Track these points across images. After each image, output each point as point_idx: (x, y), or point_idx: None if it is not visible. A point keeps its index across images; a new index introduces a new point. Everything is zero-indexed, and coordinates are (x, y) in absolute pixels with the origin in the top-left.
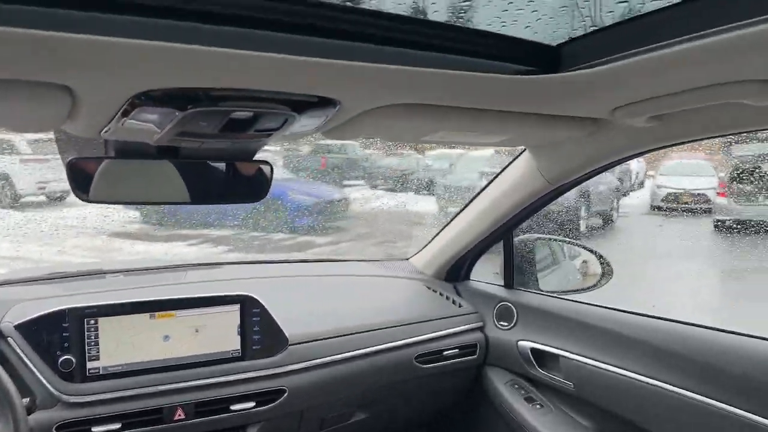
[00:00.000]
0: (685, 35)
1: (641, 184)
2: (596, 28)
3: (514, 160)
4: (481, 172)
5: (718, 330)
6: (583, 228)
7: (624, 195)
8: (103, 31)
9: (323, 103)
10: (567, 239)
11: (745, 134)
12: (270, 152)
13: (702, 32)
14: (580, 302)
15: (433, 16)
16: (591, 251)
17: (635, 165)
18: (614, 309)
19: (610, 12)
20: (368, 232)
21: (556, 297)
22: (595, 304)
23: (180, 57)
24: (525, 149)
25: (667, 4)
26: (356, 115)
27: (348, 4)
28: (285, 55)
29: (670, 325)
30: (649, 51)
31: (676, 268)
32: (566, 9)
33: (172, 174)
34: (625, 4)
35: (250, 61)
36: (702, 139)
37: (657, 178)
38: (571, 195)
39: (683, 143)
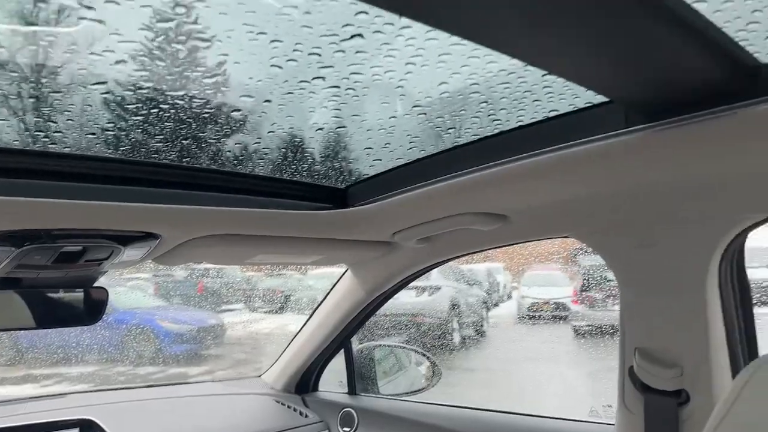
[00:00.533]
0: (432, 178)
1: (509, 296)
2: (368, 176)
3: (341, 276)
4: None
5: (544, 417)
6: (457, 339)
7: (495, 306)
8: None
9: (146, 237)
10: (402, 345)
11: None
12: (141, 279)
13: (445, 176)
14: (415, 402)
15: (246, 170)
16: (423, 354)
17: (501, 278)
18: (446, 405)
19: (378, 160)
20: (246, 358)
21: (394, 399)
22: (430, 402)
23: (15, 207)
24: (347, 270)
25: (423, 155)
26: (178, 244)
27: (165, 161)
28: (109, 202)
29: (496, 415)
30: (410, 191)
31: (541, 369)
32: (352, 161)
33: (18, 302)
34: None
35: (77, 208)
36: (459, 257)
37: (521, 290)
38: (445, 309)
39: (447, 260)
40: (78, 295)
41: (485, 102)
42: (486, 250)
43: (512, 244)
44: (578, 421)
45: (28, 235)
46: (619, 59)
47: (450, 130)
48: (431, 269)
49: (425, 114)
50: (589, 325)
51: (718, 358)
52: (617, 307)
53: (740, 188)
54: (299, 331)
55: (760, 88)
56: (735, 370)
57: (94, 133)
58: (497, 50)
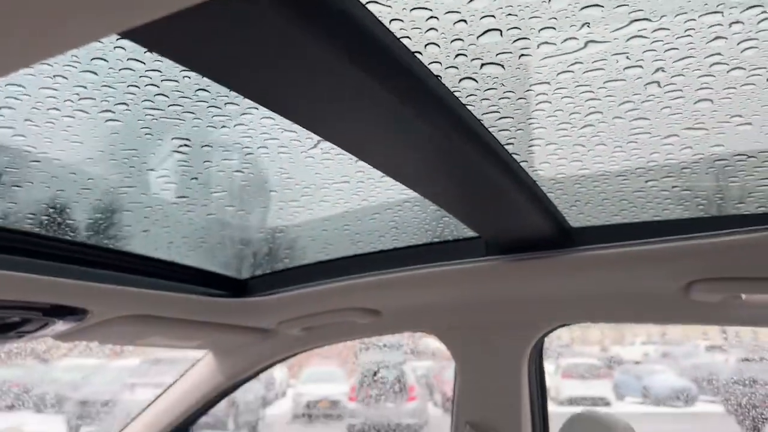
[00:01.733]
0: (326, 278)
1: (284, 394)
2: (271, 271)
3: (194, 365)
4: (126, 384)
5: None
6: None
7: (268, 405)
8: None
9: (76, 311)
10: None
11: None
12: None
13: (337, 277)
14: None
15: (153, 253)
16: None
17: (278, 374)
18: None
19: (285, 259)
20: None
21: None
22: None
23: None
24: (208, 353)
25: (324, 258)
26: (101, 321)
27: (93, 243)
28: (47, 276)
29: None
30: (305, 287)
31: None
32: (253, 256)
33: None
34: (301, 253)
35: (18, 281)
36: (335, 342)
37: (297, 387)
38: (222, 408)
39: (319, 347)
40: None
41: (393, 221)
42: (357, 338)
43: (380, 335)
44: None
45: None
46: (486, 209)
47: (359, 242)
48: (300, 353)
49: (347, 223)
50: (363, 424)
51: (524, 427)
52: (390, 405)
53: (548, 306)
54: (133, 419)
55: (571, 242)
56: None
57: (33, 213)
58: (406, 185)
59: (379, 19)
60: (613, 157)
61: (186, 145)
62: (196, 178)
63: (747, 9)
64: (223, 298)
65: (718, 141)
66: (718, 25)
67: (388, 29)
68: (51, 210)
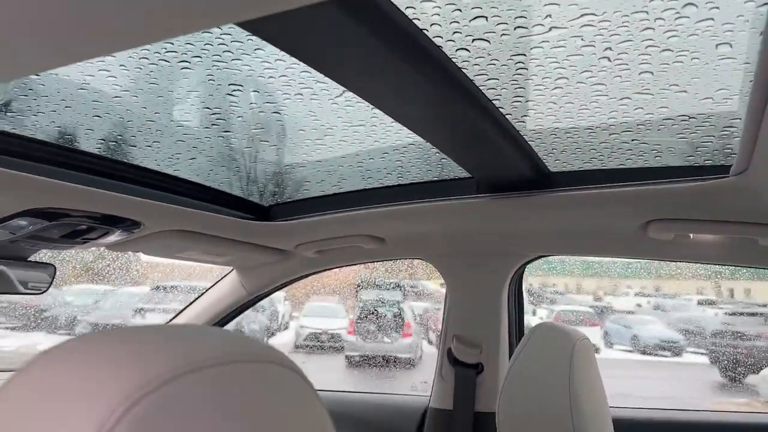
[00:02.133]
0: (338, 209)
1: (287, 326)
2: (290, 200)
3: (218, 281)
4: (136, 309)
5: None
6: None
7: (272, 335)
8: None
9: (131, 224)
10: None
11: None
12: None
13: (347, 208)
14: None
15: (194, 178)
16: None
17: (281, 308)
18: None
19: (306, 189)
20: None
21: None
22: None
23: (52, 188)
24: (232, 270)
25: (337, 191)
26: (150, 233)
27: (152, 167)
28: (113, 192)
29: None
30: (320, 215)
31: None
32: (277, 186)
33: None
34: (318, 186)
35: (91, 195)
36: (344, 265)
37: (300, 320)
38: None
39: (335, 267)
40: (38, 269)
41: (399, 161)
42: (363, 262)
43: (384, 260)
44: (401, 394)
45: (56, 213)
46: (477, 154)
47: (369, 178)
48: (315, 274)
49: (361, 161)
50: (360, 356)
51: (503, 342)
52: (387, 340)
53: (528, 239)
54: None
55: (549, 184)
56: (512, 351)
57: (114, 141)
58: (411, 131)
59: (397, 6)
60: (580, 113)
61: (238, 90)
62: (241, 117)
63: (665, 10)
64: (250, 221)
65: (663, 104)
66: (646, 20)
67: (403, 13)
68: (118, 137)
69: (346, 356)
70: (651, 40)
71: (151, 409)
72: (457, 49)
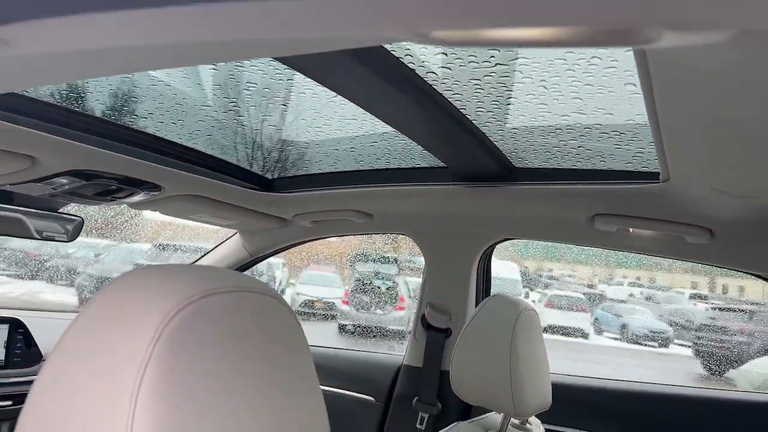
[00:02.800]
0: (334, 186)
1: (283, 292)
2: (293, 175)
3: (221, 243)
4: (137, 264)
5: (363, 351)
6: None
7: None
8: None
9: (153, 187)
10: None
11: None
12: None
13: (342, 186)
14: None
15: (210, 151)
16: None
17: (279, 274)
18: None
19: (305, 167)
20: None
21: None
22: None
23: (91, 154)
24: (236, 233)
25: (333, 171)
26: (168, 196)
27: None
28: (140, 160)
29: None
30: (317, 190)
31: None
32: (280, 162)
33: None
34: (318, 165)
35: (120, 160)
36: (336, 235)
37: (297, 287)
38: None
39: (328, 237)
40: (70, 219)
41: (388, 148)
42: (353, 234)
43: (370, 234)
44: (379, 353)
45: (92, 174)
46: (453, 149)
47: (361, 160)
48: (307, 242)
49: (354, 145)
50: (353, 325)
51: (470, 311)
52: (379, 312)
53: (495, 223)
54: None
55: (513, 178)
56: None
57: (145, 117)
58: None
59: (384, 47)
60: (534, 120)
61: (253, 86)
62: (255, 105)
63: (579, 57)
64: (255, 191)
65: (600, 118)
66: (566, 62)
67: (383, 47)
68: (150, 114)
69: (339, 324)
70: (572, 70)
71: (190, 314)
72: (427, 72)
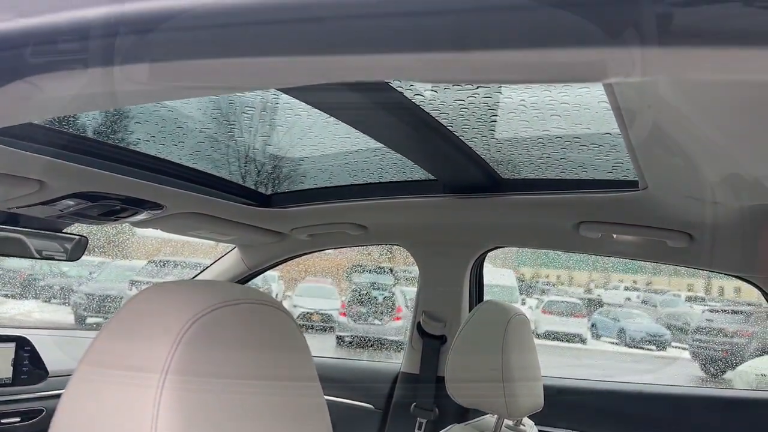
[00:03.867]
0: (330, 200)
1: None
2: (289, 191)
3: (220, 258)
4: (133, 281)
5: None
6: None
7: None
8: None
9: (155, 206)
10: None
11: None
12: None
13: (337, 200)
14: None
15: (209, 170)
16: None
17: (275, 287)
18: None
19: (301, 183)
20: None
21: None
22: None
23: (96, 177)
24: (234, 248)
25: (329, 185)
26: (169, 215)
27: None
28: (143, 181)
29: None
30: (314, 205)
31: None
32: (277, 178)
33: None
34: (314, 180)
35: (124, 182)
36: (333, 247)
37: (293, 299)
38: None
39: (325, 249)
40: (71, 238)
41: (380, 163)
42: (349, 246)
43: (365, 245)
44: (377, 361)
45: (97, 196)
46: (442, 163)
47: (355, 175)
48: (307, 254)
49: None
50: (351, 336)
51: (464, 317)
52: (377, 322)
53: (485, 233)
54: None
55: (502, 189)
56: None
57: (147, 139)
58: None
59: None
60: (517, 134)
61: (250, 110)
62: (252, 127)
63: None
64: (253, 207)
65: (579, 131)
66: (542, 84)
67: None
68: (151, 137)
69: (337, 336)
70: (551, 96)
71: (204, 323)
72: (414, 95)
